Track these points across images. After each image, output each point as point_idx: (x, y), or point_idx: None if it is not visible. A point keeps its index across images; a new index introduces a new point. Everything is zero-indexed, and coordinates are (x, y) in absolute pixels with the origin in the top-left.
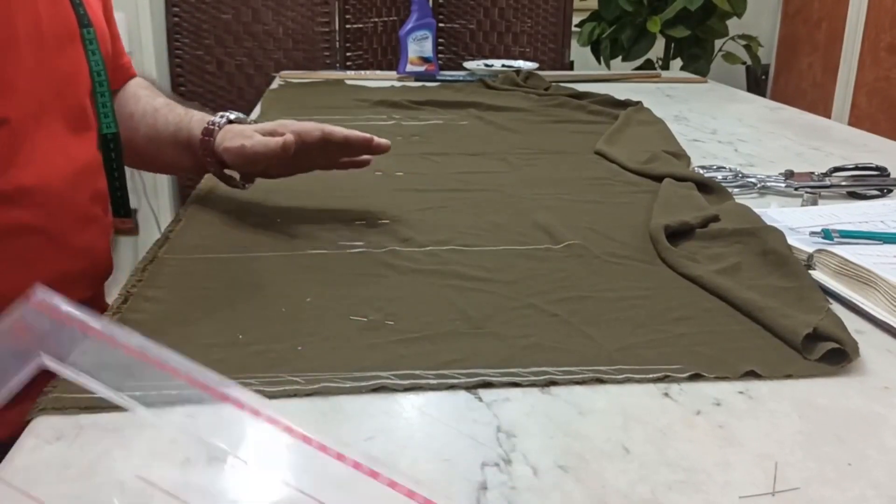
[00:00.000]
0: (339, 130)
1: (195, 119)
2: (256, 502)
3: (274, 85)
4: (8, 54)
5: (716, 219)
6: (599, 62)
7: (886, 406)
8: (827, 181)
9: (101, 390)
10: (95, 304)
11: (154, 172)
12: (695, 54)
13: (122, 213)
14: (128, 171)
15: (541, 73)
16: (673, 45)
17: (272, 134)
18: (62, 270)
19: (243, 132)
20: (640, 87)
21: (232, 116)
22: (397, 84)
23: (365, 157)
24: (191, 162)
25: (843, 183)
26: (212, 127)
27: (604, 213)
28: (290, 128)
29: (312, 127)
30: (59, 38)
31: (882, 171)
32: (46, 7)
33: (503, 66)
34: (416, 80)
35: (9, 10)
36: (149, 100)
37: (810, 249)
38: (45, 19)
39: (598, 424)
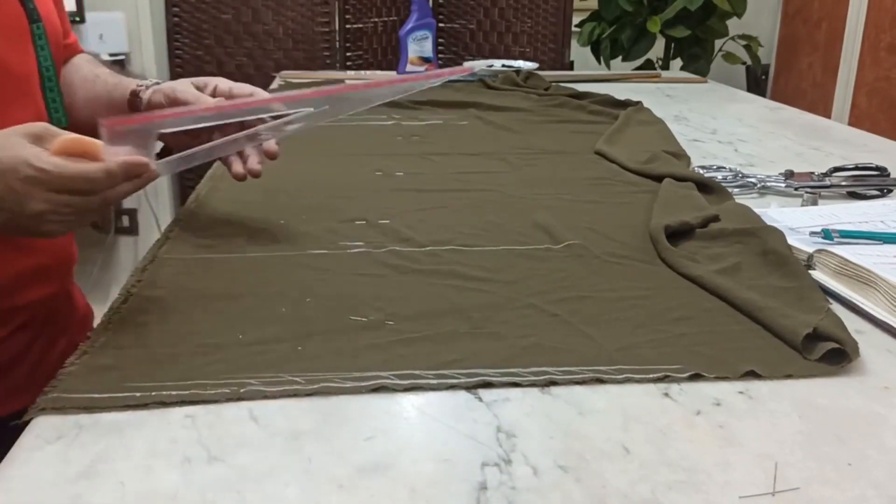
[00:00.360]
0: (264, 95)
1: (126, 82)
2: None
3: (274, 85)
4: None
5: (716, 219)
6: (599, 62)
7: (886, 406)
8: (827, 181)
9: None
10: (63, 297)
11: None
12: (695, 54)
13: None
14: None
15: (541, 73)
16: (673, 45)
17: (203, 86)
18: (22, 268)
19: (172, 86)
20: (640, 87)
21: (160, 81)
22: None
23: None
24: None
25: (843, 183)
26: (140, 86)
27: (604, 213)
28: (221, 84)
29: (249, 89)
30: (8, 35)
31: (882, 171)
32: None
33: (503, 66)
34: None
35: None
36: (91, 67)
37: (810, 249)
38: None
39: (598, 424)
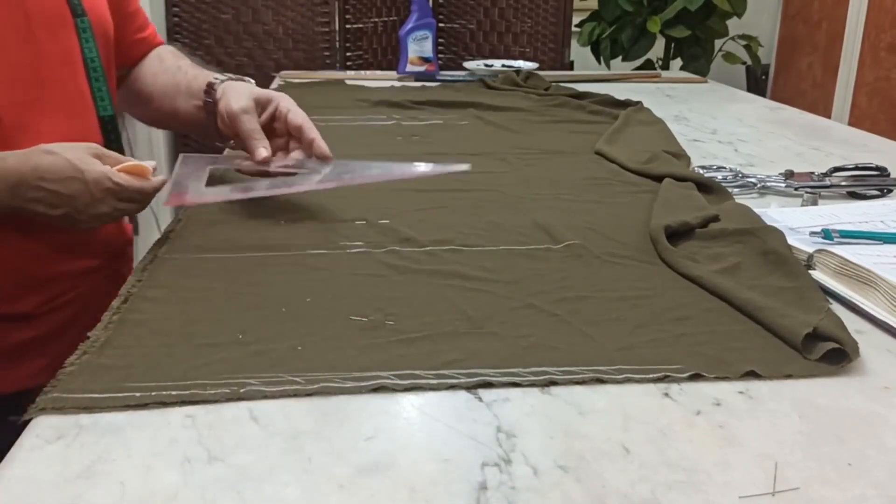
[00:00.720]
0: (311, 132)
1: (203, 77)
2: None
3: (274, 85)
4: None
5: (716, 219)
6: (599, 62)
7: (886, 406)
8: (827, 181)
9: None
10: (110, 273)
11: (172, 130)
12: (695, 54)
13: None
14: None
15: (541, 73)
16: (673, 45)
17: (266, 104)
18: (71, 241)
19: (240, 93)
20: (640, 87)
21: (232, 76)
22: (397, 84)
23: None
24: (203, 115)
25: (843, 183)
26: (214, 82)
27: (604, 213)
28: (282, 105)
29: (300, 120)
30: (48, 26)
31: (882, 171)
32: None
33: (503, 66)
34: (416, 80)
35: None
36: (174, 59)
37: (810, 249)
38: (32, 9)
39: (598, 424)
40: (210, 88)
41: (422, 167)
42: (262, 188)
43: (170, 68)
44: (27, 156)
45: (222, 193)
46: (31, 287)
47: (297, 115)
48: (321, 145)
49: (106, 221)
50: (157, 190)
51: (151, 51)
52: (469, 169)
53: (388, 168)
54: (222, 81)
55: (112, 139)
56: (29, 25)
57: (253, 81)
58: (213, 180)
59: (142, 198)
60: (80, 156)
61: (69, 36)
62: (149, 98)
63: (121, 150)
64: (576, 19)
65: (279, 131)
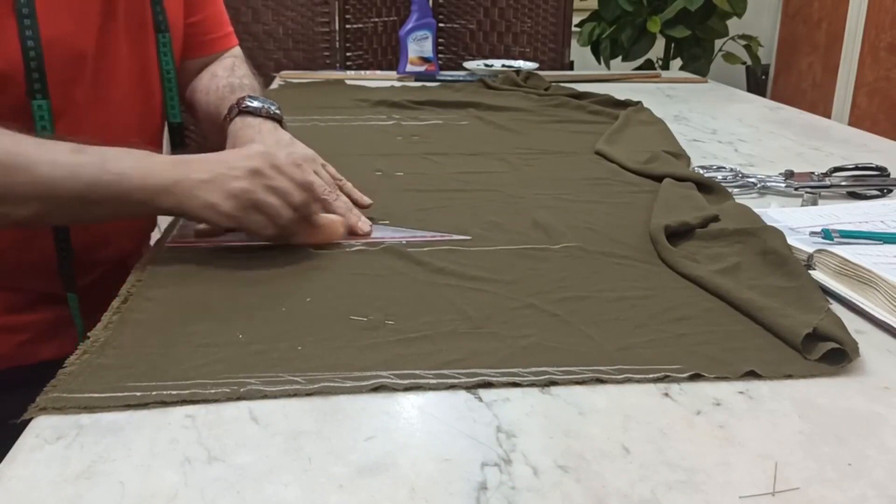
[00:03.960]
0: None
1: (229, 102)
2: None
3: (274, 85)
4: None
5: (716, 219)
6: (599, 62)
7: (886, 406)
8: (827, 181)
9: None
10: (143, 251)
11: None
12: (695, 54)
13: None
14: None
15: (541, 73)
16: (673, 45)
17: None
18: (115, 228)
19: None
20: (640, 87)
21: (248, 104)
22: (397, 84)
23: None
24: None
25: (843, 183)
26: (227, 115)
27: (604, 213)
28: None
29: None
30: (134, 38)
31: (882, 171)
32: (127, 6)
33: (503, 66)
34: (416, 80)
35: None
36: (217, 80)
37: (810, 249)
38: (121, 22)
39: (598, 424)
40: (224, 121)
41: (427, 234)
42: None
43: (211, 89)
44: (245, 153)
45: (227, 238)
46: (78, 269)
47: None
48: (356, 193)
49: (271, 185)
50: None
51: (218, 52)
52: (470, 238)
53: (391, 232)
54: (232, 117)
55: (177, 143)
56: (115, 35)
57: (275, 111)
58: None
59: (307, 187)
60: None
61: (149, 48)
62: (195, 118)
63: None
64: (576, 19)
65: None
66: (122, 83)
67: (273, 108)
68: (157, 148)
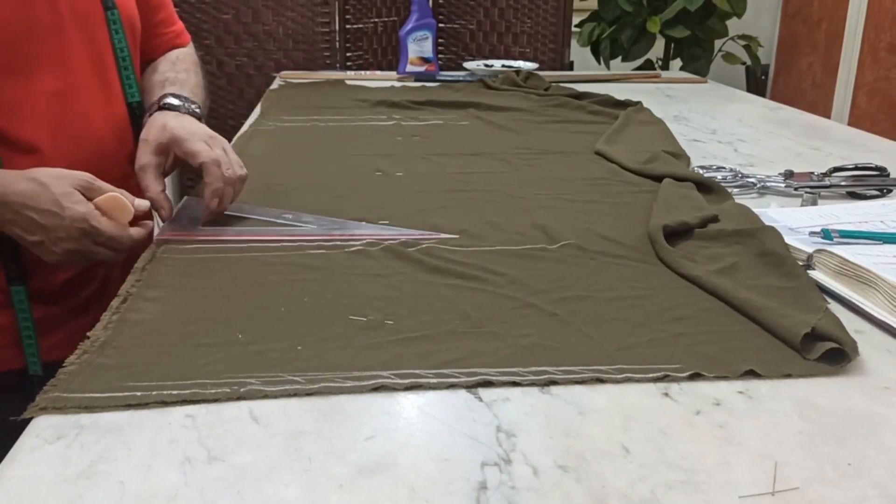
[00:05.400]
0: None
1: (163, 95)
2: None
3: (274, 85)
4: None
5: (715, 219)
6: (599, 62)
7: (886, 406)
8: (827, 181)
9: None
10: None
11: None
12: (695, 54)
13: None
14: None
15: (541, 73)
16: (673, 45)
17: (165, 150)
18: None
19: (147, 141)
20: (640, 87)
21: (168, 101)
22: (397, 84)
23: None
24: None
25: (843, 183)
26: (146, 113)
27: (603, 213)
28: (184, 147)
29: (199, 155)
30: (85, 20)
31: (882, 171)
32: None
33: (503, 66)
34: (416, 80)
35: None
36: (155, 75)
37: (810, 249)
38: (64, 3)
39: (598, 424)
40: (145, 116)
41: (414, 232)
42: (253, 234)
43: (146, 86)
44: (16, 179)
45: (215, 233)
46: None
47: (195, 155)
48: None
49: (78, 260)
50: (133, 241)
51: (169, 50)
52: (458, 237)
53: (380, 229)
54: (151, 113)
55: (140, 124)
56: (61, 19)
57: (195, 108)
58: (210, 222)
59: (117, 246)
60: (66, 191)
61: (100, 28)
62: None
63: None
64: (576, 19)
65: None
66: (77, 68)
67: (193, 106)
68: (124, 134)
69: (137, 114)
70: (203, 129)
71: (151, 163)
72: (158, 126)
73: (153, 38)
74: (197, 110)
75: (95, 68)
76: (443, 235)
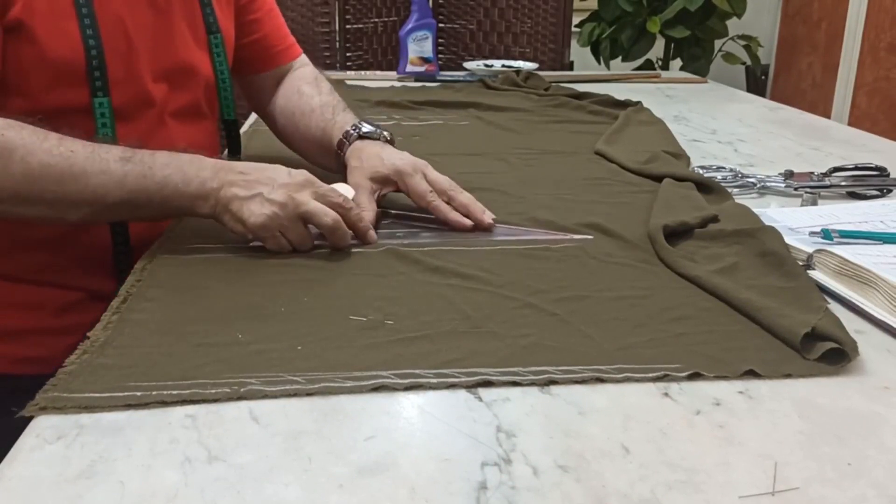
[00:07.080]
0: (445, 212)
1: (337, 126)
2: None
3: None
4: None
5: (715, 219)
6: (599, 62)
7: (886, 406)
8: (827, 181)
9: None
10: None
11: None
12: (695, 54)
13: None
14: None
15: (541, 73)
16: (673, 45)
17: (383, 180)
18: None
19: (359, 169)
20: (640, 87)
21: (364, 129)
22: (397, 84)
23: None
24: (337, 167)
25: (843, 183)
26: (344, 141)
27: (603, 212)
28: (410, 185)
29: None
30: (194, 43)
31: (882, 171)
32: (181, 9)
33: (503, 66)
34: (416, 80)
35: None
36: (308, 99)
37: (810, 249)
38: (177, 26)
39: (598, 424)
40: (339, 149)
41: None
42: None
43: (305, 111)
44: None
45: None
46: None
47: (432, 183)
48: (476, 211)
49: (272, 230)
50: (357, 217)
51: (289, 63)
52: (592, 238)
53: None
54: (350, 142)
55: (233, 137)
56: (173, 40)
57: (387, 134)
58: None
59: (341, 209)
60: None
61: (204, 51)
62: (288, 137)
63: (240, 149)
64: (576, 19)
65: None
66: (178, 86)
67: (386, 133)
68: (214, 149)
69: (231, 130)
70: (412, 158)
71: (367, 186)
72: (372, 154)
73: (262, 51)
74: (387, 134)
75: (196, 86)
76: (576, 237)
